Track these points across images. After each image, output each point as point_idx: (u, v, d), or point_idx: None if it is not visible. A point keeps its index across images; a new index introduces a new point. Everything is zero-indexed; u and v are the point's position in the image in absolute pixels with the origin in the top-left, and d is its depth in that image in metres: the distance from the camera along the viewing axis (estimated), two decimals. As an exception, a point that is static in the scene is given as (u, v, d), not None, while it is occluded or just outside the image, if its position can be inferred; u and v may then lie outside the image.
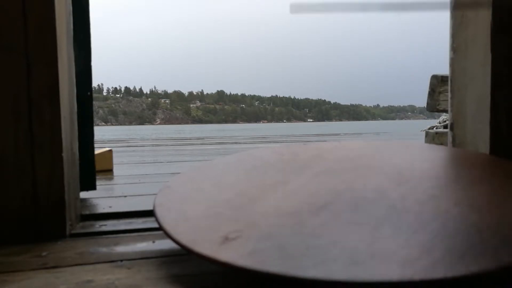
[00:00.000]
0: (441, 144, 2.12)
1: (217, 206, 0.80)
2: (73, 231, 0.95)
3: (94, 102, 1.21)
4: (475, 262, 0.58)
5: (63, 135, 0.92)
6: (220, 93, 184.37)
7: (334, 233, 0.67)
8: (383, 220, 0.70)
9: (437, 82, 2.10)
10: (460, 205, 0.75)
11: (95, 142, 1.22)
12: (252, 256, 0.62)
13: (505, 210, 0.74)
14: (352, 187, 0.84)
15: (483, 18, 1.08)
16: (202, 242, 0.67)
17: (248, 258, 0.61)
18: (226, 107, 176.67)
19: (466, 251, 0.60)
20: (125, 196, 1.34)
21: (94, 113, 1.23)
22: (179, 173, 1.10)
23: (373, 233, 0.66)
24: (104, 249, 0.85)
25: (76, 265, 0.76)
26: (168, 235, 0.72)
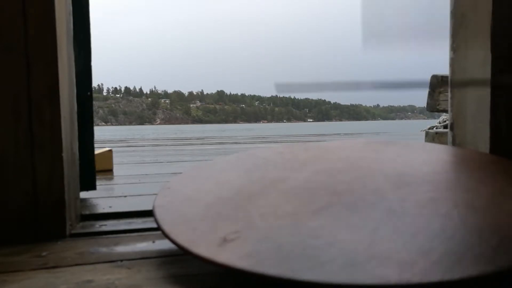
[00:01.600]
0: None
1: (216, 207, 0.80)
2: (73, 231, 0.95)
3: (94, 102, 1.21)
4: (473, 265, 0.58)
5: (63, 135, 0.92)
6: (220, 93, 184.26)
7: (332, 234, 0.67)
8: (382, 223, 0.70)
9: (437, 82, 2.10)
10: (460, 207, 0.75)
11: (95, 142, 1.22)
12: (249, 257, 0.62)
13: (504, 211, 0.73)
14: (351, 188, 0.84)
15: (483, 18, 1.08)
16: (201, 244, 0.67)
17: (245, 259, 0.61)
18: (226, 107, 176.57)
19: (464, 254, 0.60)
20: (125, 196, 1.34)
21: (94, 113, 1.23)
22: (179, 173, 1.10)
23: (372, 235, 0.66)
24: (104, 249, 0.85)
25: (76, 265, 0.76)
26: (167, 236, 0.72)
